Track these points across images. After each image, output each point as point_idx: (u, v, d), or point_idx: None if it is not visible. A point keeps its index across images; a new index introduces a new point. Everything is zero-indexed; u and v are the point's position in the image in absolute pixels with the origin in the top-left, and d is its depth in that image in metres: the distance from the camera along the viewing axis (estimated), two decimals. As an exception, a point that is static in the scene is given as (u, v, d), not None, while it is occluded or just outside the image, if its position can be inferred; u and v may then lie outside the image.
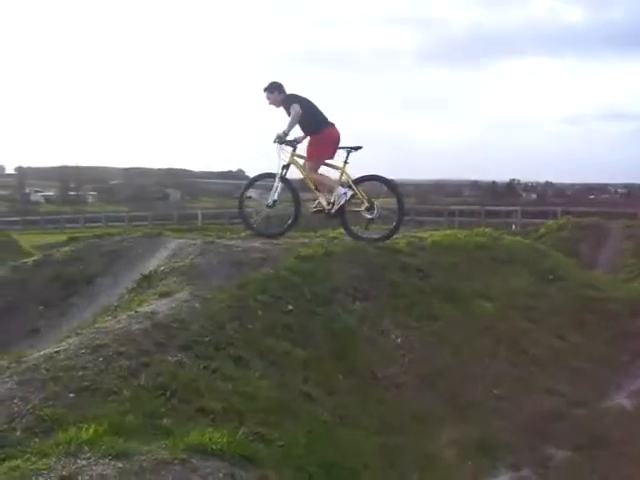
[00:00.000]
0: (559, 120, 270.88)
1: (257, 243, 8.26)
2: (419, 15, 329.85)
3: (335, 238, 9.04)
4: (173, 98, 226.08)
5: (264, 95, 8.91)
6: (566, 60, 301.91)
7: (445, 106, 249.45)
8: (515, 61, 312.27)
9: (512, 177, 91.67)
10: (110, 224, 41.16)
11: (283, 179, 8.81)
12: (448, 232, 11.06)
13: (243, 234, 9.14)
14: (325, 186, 8.90)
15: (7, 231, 32.45)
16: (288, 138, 8.78)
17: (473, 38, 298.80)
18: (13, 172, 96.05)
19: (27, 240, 29.74)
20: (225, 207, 45.89)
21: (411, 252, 8.82)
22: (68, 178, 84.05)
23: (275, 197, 8.77)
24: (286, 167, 8.81)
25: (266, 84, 8.91)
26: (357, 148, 8.89)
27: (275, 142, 8.70)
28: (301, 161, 8.94)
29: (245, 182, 9.94)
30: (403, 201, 9.30)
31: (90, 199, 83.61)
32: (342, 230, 9.37)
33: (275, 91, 8.85)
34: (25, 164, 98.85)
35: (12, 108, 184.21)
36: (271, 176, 8.85)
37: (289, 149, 8.82)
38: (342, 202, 8.76)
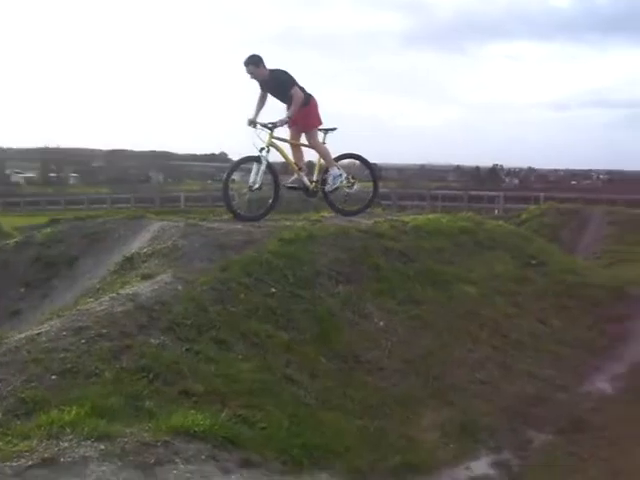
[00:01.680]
0: (544, 106, 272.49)
1: (240, 226, 8.20)
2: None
3: (318, 221, 8.98)
4: (156, 81, 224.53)
5: (246, 69, 8.64)
6: (552, 44, 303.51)
7: (429, 90, 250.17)
8: (501, 45, 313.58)
9: (495, 162, 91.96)
10: (92, 206, 40.87)
11: (267, 162, 8.65)
12: (431, 216, 11.02)
13: (226, 216, 9.07)
14: (328, 160, 9.06)
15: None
16: (263, 121, 8.68)
17: (459, 21, 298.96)
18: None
19: (8, 222, 29.51)
20: (208, 190, 45.61)
21: (394, 236, 8.81)
22: (49, 159, 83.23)
23: (260, 180, 8.53)
24: (267, 150, 8.63)
25: (247, 57, 8.64)
26: (333, 129, 9.16)
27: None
28: (280, 143, 8.89)
29: (230, 165, 9.78)
30: (377, 174, 10.07)
31: (71, 181, 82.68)
32: (325, 213, 9.44)
33: (261, 64, 8.66)
34: (5, 145, 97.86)
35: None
36: (256, 159, 8.71)
37: (267, 132, 8.63)
38: (338, 183, 8.94)
